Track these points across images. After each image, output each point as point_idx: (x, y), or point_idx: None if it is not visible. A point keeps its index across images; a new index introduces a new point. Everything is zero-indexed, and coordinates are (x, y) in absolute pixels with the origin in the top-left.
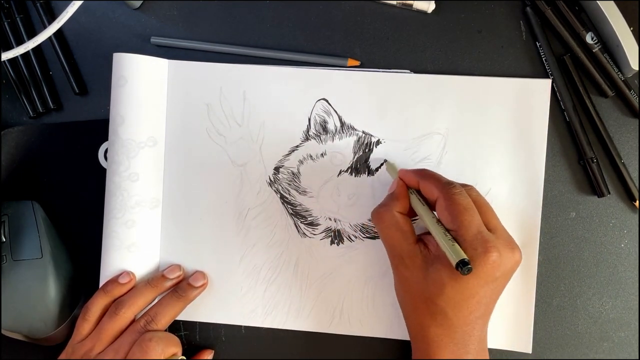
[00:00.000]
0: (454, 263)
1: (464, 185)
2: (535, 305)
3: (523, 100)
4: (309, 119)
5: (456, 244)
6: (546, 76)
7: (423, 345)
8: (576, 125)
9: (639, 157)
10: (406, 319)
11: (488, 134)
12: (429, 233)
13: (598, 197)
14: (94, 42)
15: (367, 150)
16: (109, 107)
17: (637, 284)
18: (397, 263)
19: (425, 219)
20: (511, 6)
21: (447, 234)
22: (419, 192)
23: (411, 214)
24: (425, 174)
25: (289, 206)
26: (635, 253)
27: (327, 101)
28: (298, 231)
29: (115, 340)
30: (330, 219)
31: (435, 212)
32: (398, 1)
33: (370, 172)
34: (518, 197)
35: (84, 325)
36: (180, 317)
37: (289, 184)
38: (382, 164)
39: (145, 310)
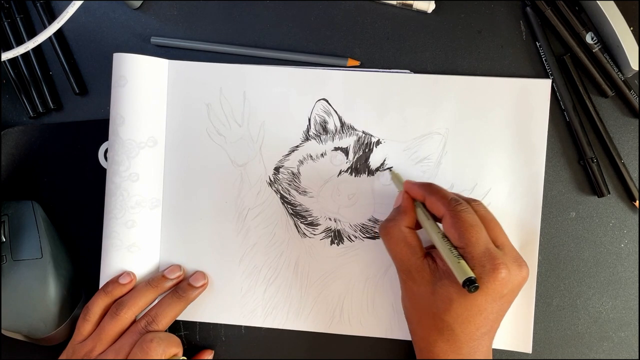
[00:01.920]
0: (460, 281)
1: (471, 200)
2: (535, 305)
3: (523, 100)
4: (309, 119)
5: (462, 262)
6: (546, 76)
7: (429, 355)
8: (576, 125)
9: (639, 157)
10: (412, 333)
11: (488, 134)
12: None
13: (598, 197)
14: (94, 42)
15: (367, 150)
16: (109, 107)
17: (637, 284)
18: (406, 278)
19: (432, 235)
20: (511, 6)
21: (454, 251)
22: (424, 204)
23: (418, 226)
24: (431, 190)
25: (289, 206)
26: (635, 253)
27: (327, 101)
28: (298, 231)
29: (116, 341)
30: (330, 219)
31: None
32: (398, 1)
33: (370, 172)
34: (518, 197)
35: (85, 326)
36: (181, 317)
37: (289, 184)
38: (382, 164)
39: (145, 311)
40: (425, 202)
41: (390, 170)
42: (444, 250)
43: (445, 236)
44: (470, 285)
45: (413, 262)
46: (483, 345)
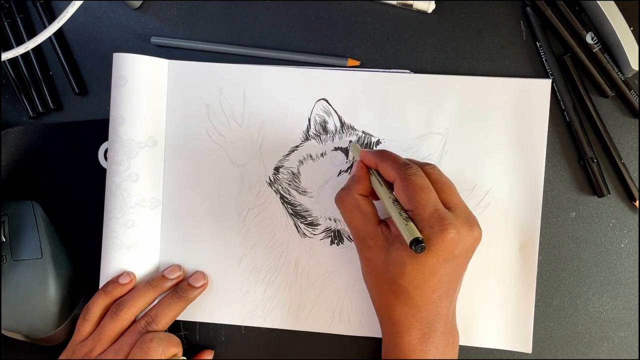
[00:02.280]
0: (407, 241)
1: (424, 165)
2: (535, 305)
3: (523, 100)
4: (309, 119)
5: (410, 223)
6: (546, 76)
7: (390, 325)
8: (576, 125)
9: (639, 157)
10: (373, 300)
11: (488, 134)
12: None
13: (598, 197)
14: (94, 42)
15: None
16: (109, 107)
17: (637, 284)
18: (361, 245)
19: (384, 200)
20: (511, 6)
21: (403, 213)
22: (378, 173)
23: (374, 196)
24: (383, 156)
25: (289, 206)
26: (635, 253)
27: (327, 101)
28: (298, 231)
29: (116, 341)
30: (330, 219)
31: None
32: (398, 1)
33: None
34: (518, 197)
35: (85, 326)
36: (180, 317)
37: (289, 184)
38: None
39: (145, 311)
40: (378, 168)
41: (351, 142)
42: (393, 213)
43: (396, 201)
44: (417, 245)
45: (367, 228)
46: (442, 308)
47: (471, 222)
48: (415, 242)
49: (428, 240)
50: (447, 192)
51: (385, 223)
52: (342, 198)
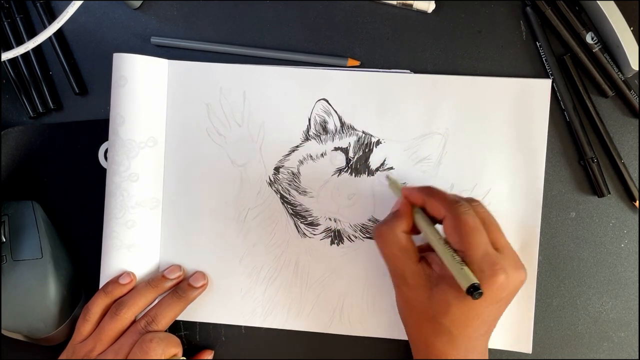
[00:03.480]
0: (464, 288)
1: (470, 201)
2: (535, 305)
3: (523, 100)
4: (309, 119)
5: (465, 268)
6: (546, 76)
7: (426, 355)
8: (576, 125)
9: (639, 157)
10: (409, 335)
11: (488, 134)
12: (430, 250)
13: (598, 197)
14: (94, 42)
15: (367, 150)
16: (109, 107)
17: (637, 284)
18: (400, 283)
19: (432, 240)
20: (511, 6)
21: (456, 256)
22: (423, 209)
23: (414, 231)
24: (431, 192)
25: (289, 206)
26: (635, 253)
27: (327, 101)
28: (298, 231)
29: (116, 341)
30: (330, 219)
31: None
32: (398, 1)
33: (370, 172)
34: (518, 197)
35: (85, 326)
36: (181, 317)
37: (289, 184)
38: (382, 164)
39: (145, 311)
40: (425, 205)
41: (388, 177)
42: (445, 256)
43: (446, 241)
44: (475, 292)
45: (408, 267)
46: (480, 345)
47: (518, 265)
48: (473, 288)
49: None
50: (494, 232)
51: (425, 261)
52: (382, 233)
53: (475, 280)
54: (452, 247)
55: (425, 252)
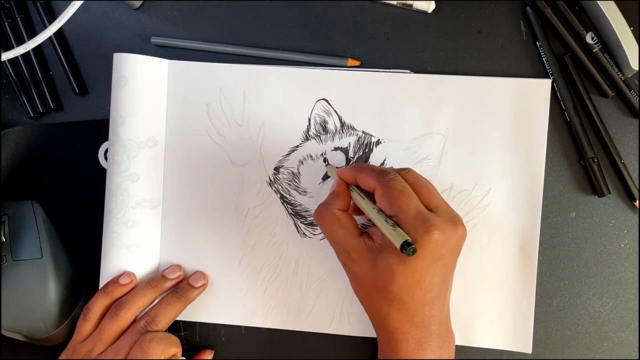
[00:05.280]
0: (398, 245)
1: (401, 170)
2: (535, 305)
3: (523, 100)
4: (309, 119)
5: (398, 228)
6: (546, 76)
7: (386, 332)
8: (576, 125)
9: (639, 157)
10: (367, 311)
11: (488, 133)
12: (373, 225)
13: (598, 197)
14: (94, 42)
15: (367, 150)
16: (109, 107)
17: (637, 284)
18: (345, 259)
19: (367, 210)
20: (511, 6)
21: (389, 220)
22: (359, 188)
23: (355, 212)
24: (360, 168)
25: (289, 206)
26: (635, 253)
27: (327, 101)
28: (298, 231)
29: (115, 341)
30: None
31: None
32: (398, 1)
33: None
34: (518, 197)
35: (85, 326)
36: (180, 318)
37: (289, 184)
38: (382, 164)
39: (145, 311)
40: (357, 181)
41: (326, 165)
42: (378, 220)
43: (380, 210)
44: (408, 247)
45: (349, 241)
46: (435, 310)
47: (454, 221)
48: (406, 244)
49: (414, 242)
50: (427, 194)
51: (367, 234)
52: (321, 213)
53: (407, 237)
54: (385, 214)
55: (368, 229)
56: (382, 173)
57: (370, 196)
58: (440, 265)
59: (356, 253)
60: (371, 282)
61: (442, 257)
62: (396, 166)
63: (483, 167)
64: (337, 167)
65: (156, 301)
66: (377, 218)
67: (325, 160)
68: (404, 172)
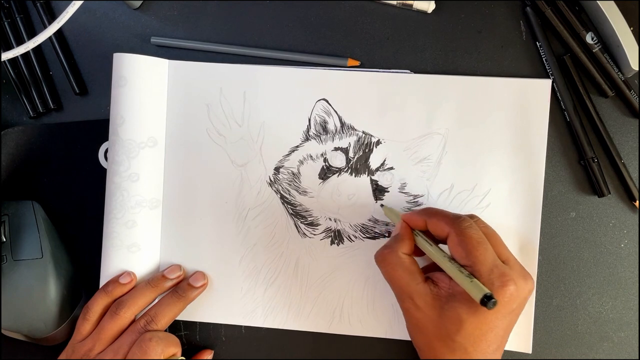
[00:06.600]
0: (477, 299)
1: (469, 216)
2: (535, 305)
3: (523, 100)
4: (309, 119)
5: (475, 280)
6: (546, 76)
7: None
8: (576, 125)
9: (639, 157)
10: (422, 356)
11: (488, 134)
12: (435, 271)
13: (598, 197)
14: (94, 42)
15: (367, 150)
16: (109, 107)
17: (637, 284)
18: (408, 306)
19: (438, 258)
20: (511, 6)
21: (463, 270)
22: (424, 232)
23: (416, 254)
24: (431, 212)
25: (289, 206)
26: (635, 253)
27: (327, 101)
28: (298, 231)
29: (115, 340)
30: (330, 219)
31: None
32: (398, 1)
33: (370, 172)
34: (518, 197)
35: (85, 325)
36: (180, 317)
37: (289, 184)
38: (382, 164)
39: (145, 311)
40: (427, 225)
41: (383, 207)
42: (453, 271)
43: (451, 258)
44: (489, 301)
45: (414, 287)
46: (495, 357)
47: (525, 274)
48: (486, 298)
49: None
50: (497, 244)
51: (431, 280)
52: (384, 257)
53: (487, 291)
54: (458, 263)
55: (429, 273)
56: (457, 219)
57: (435, 241)
58: (508, 319)
59: (421, 299)
60: (435, 330)
61: (512, 311)
62: (396, 166)
63: (483, 167)
64: (394, 208)
65: (156, 301)
66: (451, 268)
67: (375, 196)
68: (474, 220)
